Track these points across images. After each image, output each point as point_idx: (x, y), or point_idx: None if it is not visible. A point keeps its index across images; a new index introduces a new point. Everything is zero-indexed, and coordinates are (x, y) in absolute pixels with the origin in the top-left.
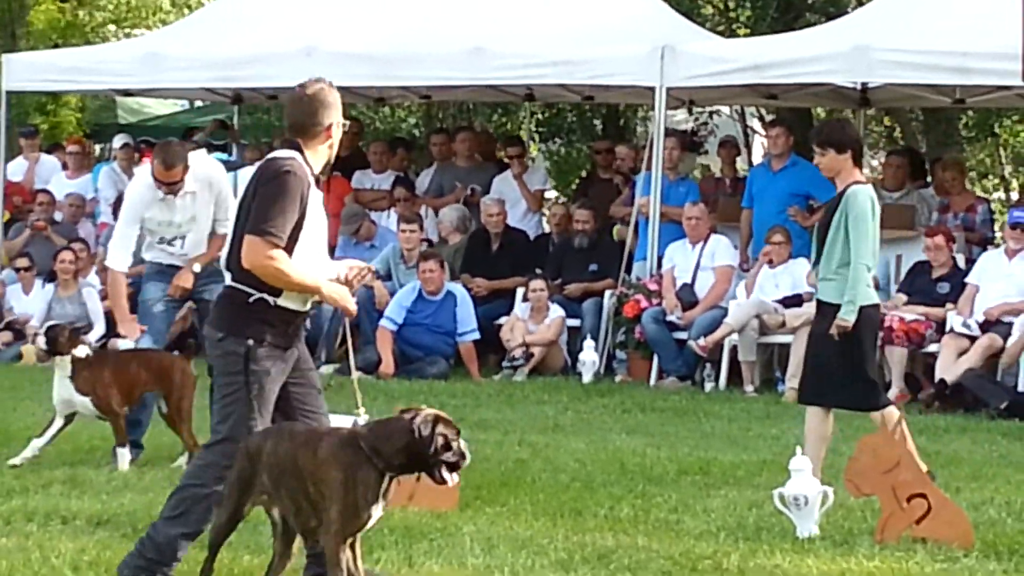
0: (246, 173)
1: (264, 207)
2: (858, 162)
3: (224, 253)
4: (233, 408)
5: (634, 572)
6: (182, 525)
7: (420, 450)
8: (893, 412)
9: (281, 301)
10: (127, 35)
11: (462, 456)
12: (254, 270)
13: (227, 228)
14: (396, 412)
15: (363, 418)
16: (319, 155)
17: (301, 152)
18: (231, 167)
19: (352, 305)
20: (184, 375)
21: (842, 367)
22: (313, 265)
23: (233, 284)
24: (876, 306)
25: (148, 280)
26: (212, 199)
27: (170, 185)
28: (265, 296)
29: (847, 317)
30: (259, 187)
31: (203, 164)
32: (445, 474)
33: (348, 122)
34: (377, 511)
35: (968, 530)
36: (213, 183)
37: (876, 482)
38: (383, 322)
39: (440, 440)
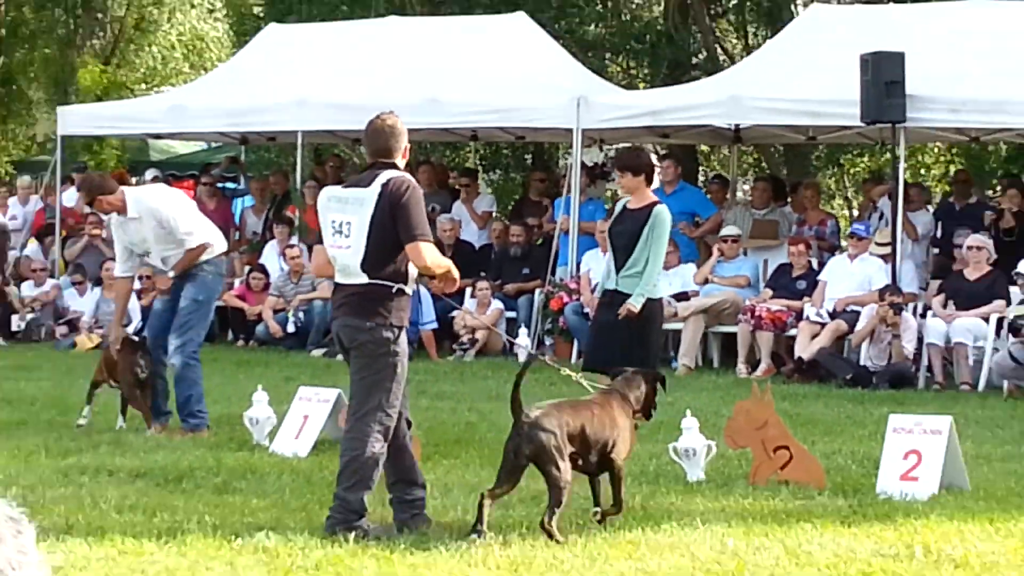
0: (356, 192)
1: (411, 217)
2: (649, 182)
3: (356, 259)
4: (379, 383)
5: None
6: (363, 488)
7: (653, 397)
8: None
9: (407, 290)
10: (156, 90)
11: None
12: (426, 268)
13: (193, 244)
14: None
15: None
16: None
17: (396, 168)
18: (240, 193)
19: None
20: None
21: (631, 344)
22: None
23: (373, 282)
24: (661, 300)
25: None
26: (156, 225)
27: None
28: (402, 286)
29: (637, 304)
30: (397, 203)
31: (148, 197)
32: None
33: (334, 157)
34: None
35: (821, 474)
36: (153, 213)
37: (749, 437)
38: None
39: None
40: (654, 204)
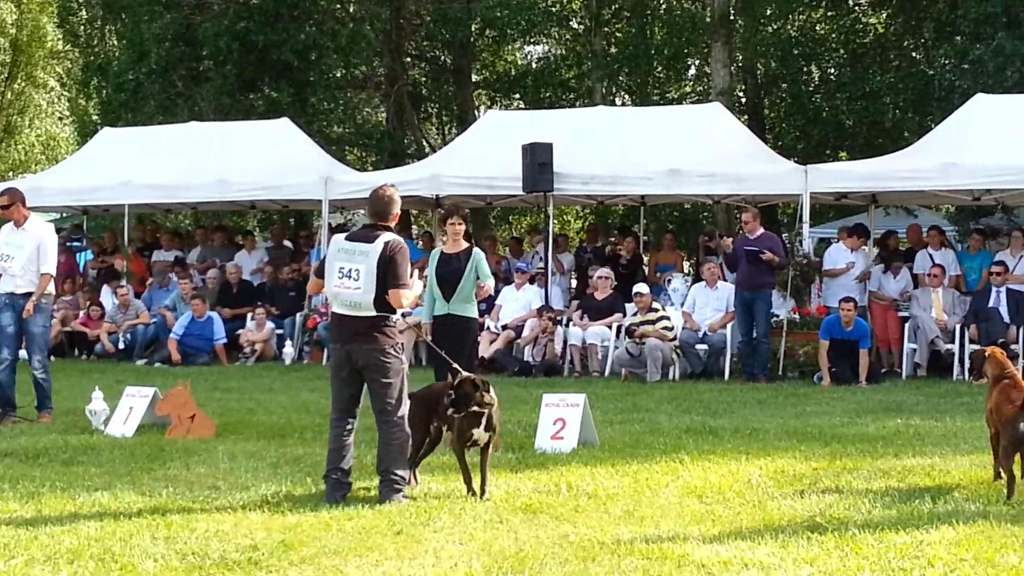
0: (361, 246)
1: (400, 269)
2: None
3: (367, 297)
4: (398, 386)
5: (315, 471)
6: (405, 462)
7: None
8: None
9: (394, 318)
10: (21, 176)
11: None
12: (400, 306)
13: (48, 270)
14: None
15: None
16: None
17: (391, 231)
18: (82, 249)
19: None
20: None
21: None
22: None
23: (380, 313)
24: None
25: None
26: (36, 246)
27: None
28: (394, 315)
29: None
30: (392, 256)
31: (45, 225)
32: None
33: (151, 222)
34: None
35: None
36: (41, 237)
37: None
38: (172, 335)
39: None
40: (471, 248)
